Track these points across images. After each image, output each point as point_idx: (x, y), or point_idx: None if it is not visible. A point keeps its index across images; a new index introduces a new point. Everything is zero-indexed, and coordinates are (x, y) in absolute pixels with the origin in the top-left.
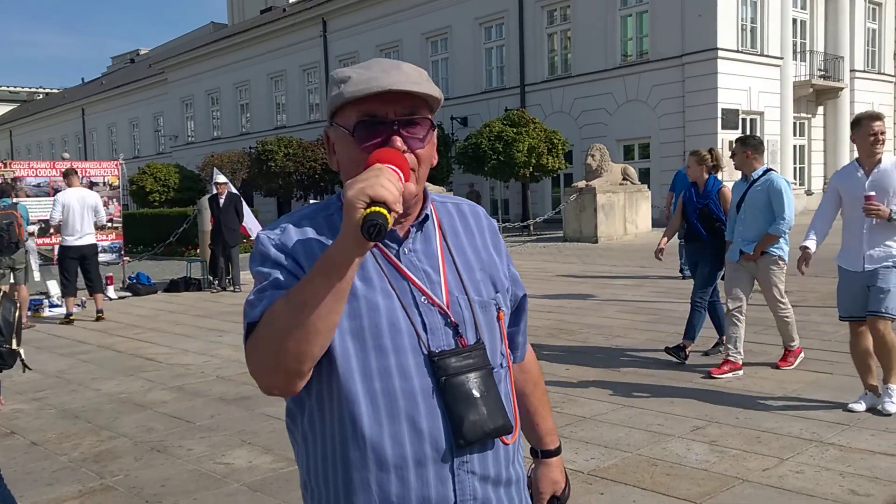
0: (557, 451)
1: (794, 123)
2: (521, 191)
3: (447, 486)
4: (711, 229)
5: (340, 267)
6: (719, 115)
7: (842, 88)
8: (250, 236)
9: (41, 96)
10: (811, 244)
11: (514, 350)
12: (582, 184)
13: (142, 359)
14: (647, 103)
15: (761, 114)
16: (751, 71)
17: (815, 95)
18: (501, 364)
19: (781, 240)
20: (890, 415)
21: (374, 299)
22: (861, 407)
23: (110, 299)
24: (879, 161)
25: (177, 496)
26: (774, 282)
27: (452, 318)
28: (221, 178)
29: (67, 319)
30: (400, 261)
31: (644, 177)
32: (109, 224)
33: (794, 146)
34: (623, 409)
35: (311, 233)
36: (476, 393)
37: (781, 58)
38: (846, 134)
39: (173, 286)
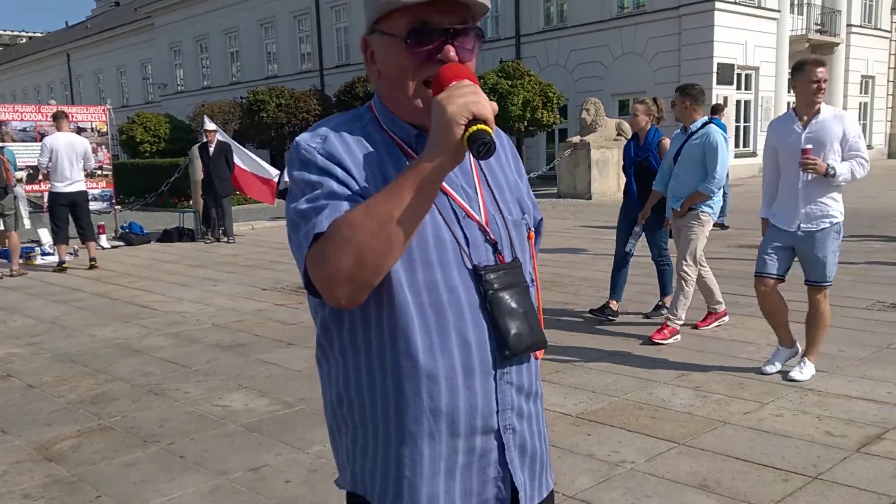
0: None
1: (789, 80)
2: (516, 145)
3: (491, 395)
4: (648, 187)
5: (433, 182)
6: (714, 69)
7: (838, 44)
8: (261, 193)
9: (24, 40)
10: (768, 213)
11: None
12: (576, 139)
13: (137, 306)
14: (642, 56)
15: (756, 69)
16: (747, 24)
17: (810, 51)
18: (531, 283)
19: (712, 199)
20: (796, 381)
21: None
22: (774, 368)
23: (103, 248)
24: (818, 111)
25: (174, 436)
26: (691, 237)
27: (491, 236)
28: (211, 126)
29: (60, 267)
30: None
31: None
32: (99, 171)
33: (788, 103)
34: (611, 357)
35: (352, 142)
36: (519, 308)
37: (779, 10)
38: (840, 91)
39: (166, 236)
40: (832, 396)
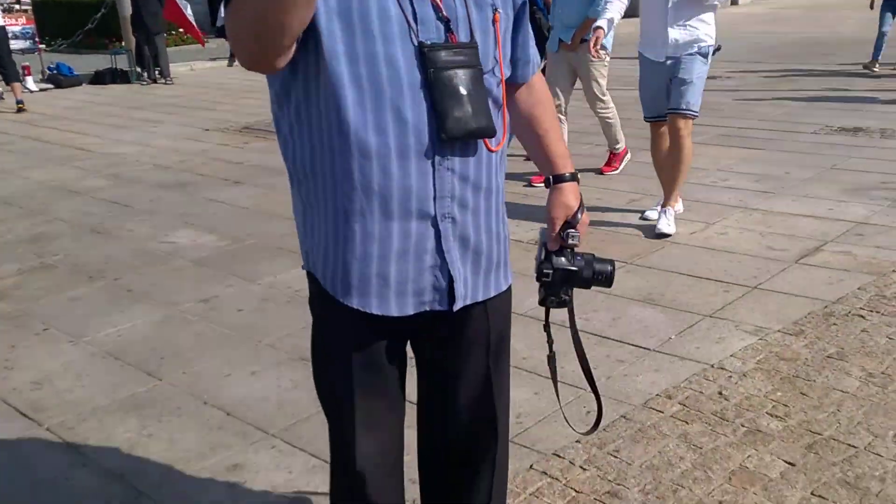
0: (572, 177)
1: None
2: None
3: (427, 179)
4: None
5: None
6: None
7: None
8: (191, 29)
9: None
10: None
11: (515, 68)
12: None
13: (72, 149)
14: None
15: None
16: None
17: None
18: (494, 71)
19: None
20: (665, 235)
21: None
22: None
23: (31, 91)
24: None
25: (120, 272)
26: (594, 75)
27: (444, 13)
28: None
29: None
30: None
31: None
32: (17, 6)
33: None
34: None
35: None
36: (463, 90)
37: None
38: None
39: (98, 78)
40: (776, 215)
